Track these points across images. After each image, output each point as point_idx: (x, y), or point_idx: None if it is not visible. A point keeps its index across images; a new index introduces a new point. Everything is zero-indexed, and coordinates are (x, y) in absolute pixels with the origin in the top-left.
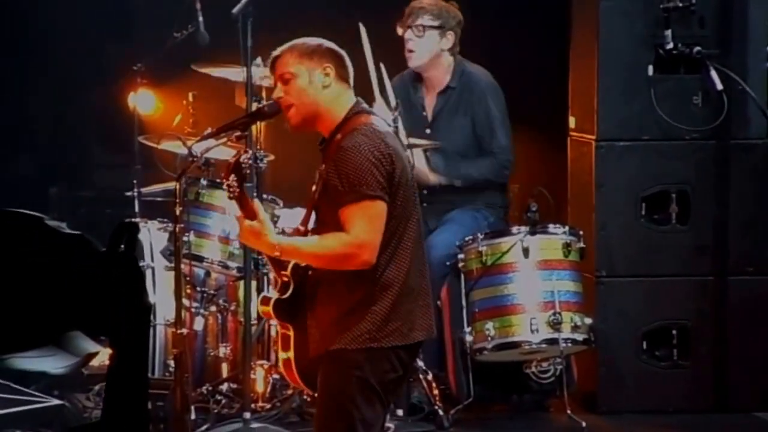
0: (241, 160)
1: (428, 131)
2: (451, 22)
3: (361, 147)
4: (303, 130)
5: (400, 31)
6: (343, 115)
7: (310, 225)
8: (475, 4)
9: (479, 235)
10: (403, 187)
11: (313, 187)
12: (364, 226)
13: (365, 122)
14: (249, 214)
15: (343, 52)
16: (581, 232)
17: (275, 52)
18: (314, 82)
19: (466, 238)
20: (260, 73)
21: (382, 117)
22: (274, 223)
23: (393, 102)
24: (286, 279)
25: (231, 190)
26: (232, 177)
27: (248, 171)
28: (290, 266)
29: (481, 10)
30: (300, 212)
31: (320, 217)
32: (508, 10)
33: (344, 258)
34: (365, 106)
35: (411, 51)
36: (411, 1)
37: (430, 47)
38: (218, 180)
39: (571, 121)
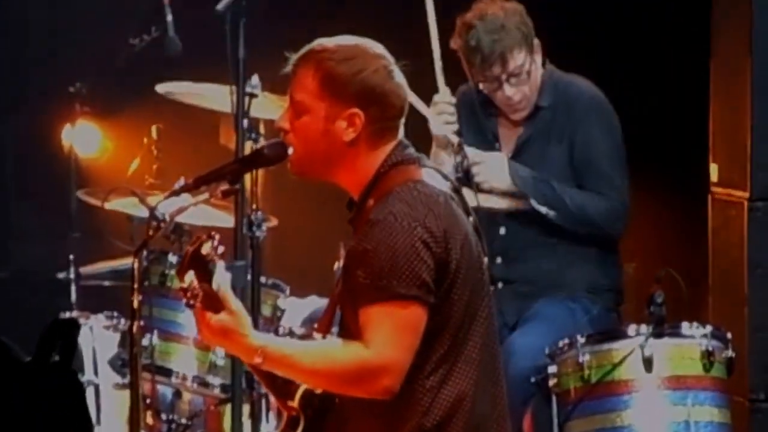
0: (203, 251)
1: None
2: (527, 26)
3: (398, 222)
4: (312, 180)
5: (484, 85)
6: (375, 169)
7: (334, 329)
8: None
9: (578, 337)
10: (463, 279)
11: (336, 271)
12: (389, 338)
13: (408, 178)
14: (214, 304)
15: (397, 82)
16: (729, 335)
17: (302, 51)
18: (331, 132)
19: (560, 343)
20: (258, 97)
21: (435, 166)
22: (278, 318)
23: (455, 136)
24: (293, 412)
25: (189, 295)
26: (190, 275)
27: (213, 265)
28: (299, 392)
29: (579, 17)
30: (317, 305)
31: (346, 319)
32: (620, 19)
33: (356, 380)
34: (411, 151)
35: (517, 105)
36: None
37: (536, 83)
38: None
39: (713, 171)
